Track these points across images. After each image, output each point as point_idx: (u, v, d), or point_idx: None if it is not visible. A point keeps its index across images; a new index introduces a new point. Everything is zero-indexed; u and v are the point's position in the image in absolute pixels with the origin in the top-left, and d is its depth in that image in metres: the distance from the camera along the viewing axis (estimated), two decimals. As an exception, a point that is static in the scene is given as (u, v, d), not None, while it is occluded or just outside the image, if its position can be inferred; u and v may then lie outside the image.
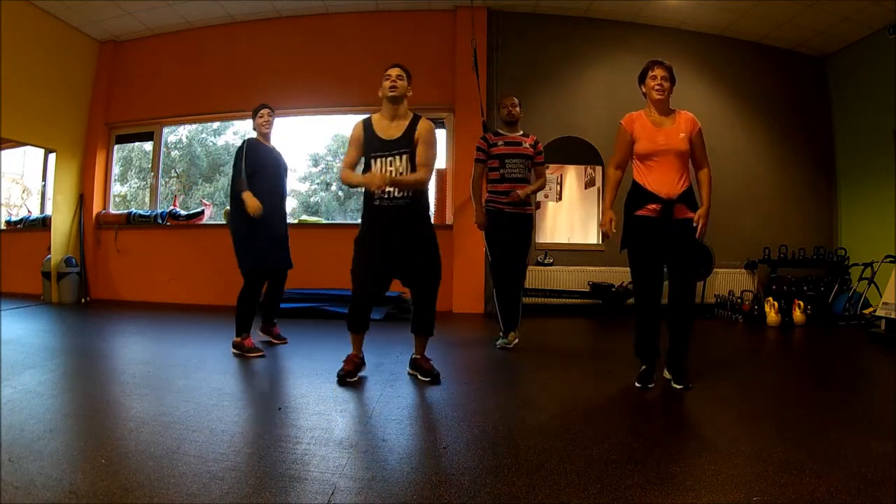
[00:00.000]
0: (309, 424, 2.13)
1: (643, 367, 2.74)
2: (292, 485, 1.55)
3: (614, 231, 2.75)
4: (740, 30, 5.96)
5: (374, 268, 2.69)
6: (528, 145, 3.66)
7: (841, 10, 5.28)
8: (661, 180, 2.64)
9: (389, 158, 2.64)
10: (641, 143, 2.68)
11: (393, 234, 2.65)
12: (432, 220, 2.89)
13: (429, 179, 2.70)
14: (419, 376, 2.77)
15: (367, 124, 2.72)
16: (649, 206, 2.64)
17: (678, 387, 2.64)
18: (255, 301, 3.47)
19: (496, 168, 3.64)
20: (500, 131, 3.75)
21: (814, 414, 2.35)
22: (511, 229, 3.61)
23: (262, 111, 3.64)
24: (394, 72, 2.71)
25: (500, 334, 3.68)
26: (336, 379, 2.69)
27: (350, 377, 2.71)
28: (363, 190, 2.70)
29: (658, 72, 2.66)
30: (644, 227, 2.66)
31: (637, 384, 2.70)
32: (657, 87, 2.65)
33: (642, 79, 2.75)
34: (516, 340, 3.65)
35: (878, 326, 4.24)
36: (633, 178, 2.75)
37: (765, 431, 2.07)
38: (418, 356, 2.83)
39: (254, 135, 3.67)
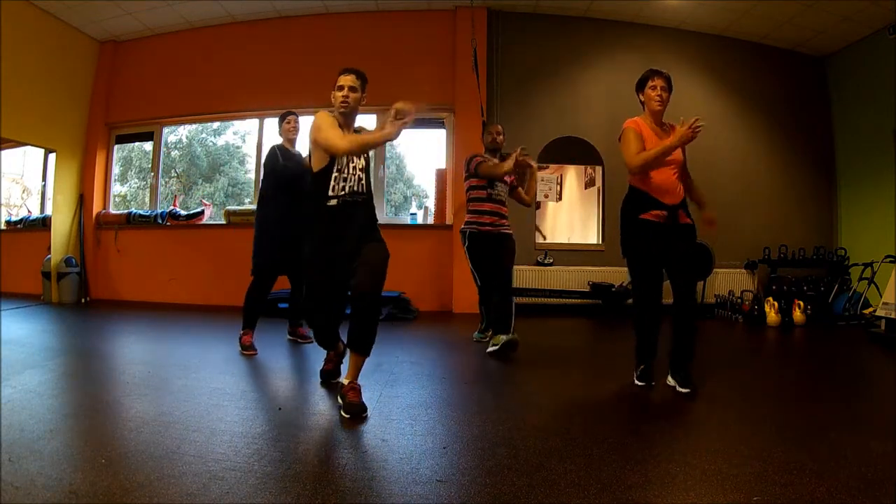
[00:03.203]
0: (309, 424, 2.13)
1: (642, 367, 2.75)
2: (292, 485, 1.55)
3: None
4: (740, 30, 5.96)
5: (333, 288, 2.40)
6: None
7: (841, 10, 5.29)
8: (665, 187, 2.67)
9: (352, 161, 2.42)
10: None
11: (350, 235, 2.37)
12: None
13: (377, 142, 2.37)
14: (341, 411, 2.23)
15: (336, 117, 2.42)
16: (654, 212, 2.66)
17: (684, 391, 2.59)
18: (257, 298, 3.50)
19: (484, 187, 3.66)
20: (487, 156, 3.74)
21: (814, 414, 2.34)
22: (495, 248, 3.63)
23: (289, 117, 3.67)
24: (346, 81, 2.40)
25: (479, 329, 3.94)
26: (350, 416, 2.21)
27: (332, 377, 2.69)
28: (314, 190, 2.42)
29: (658, 82, 2.69)
30: (650, 232, 2.66)
31: (640, 382, 2.71)
32: (657, 98, 2.69)
33: (641, 87, 2.77)
34: (505, 338, 3.54)
35: (878, 326, 4.24)
36: (632, 183, 2.76)
37: (765, 431, 2.07)
38: (346, 381, 2.32)
39: (279, 141, 3.70)
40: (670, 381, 2.69)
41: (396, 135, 2.23)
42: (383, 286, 2.39)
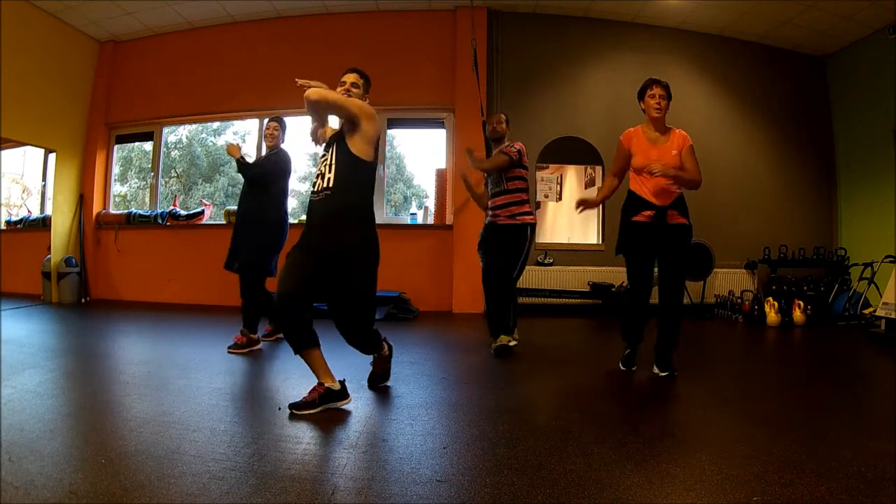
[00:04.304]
0: (309, 424, 2.13)
1: (628, 351, 2.99)
2: (292, 485, 1.55)
3: (585, 204, 3.07)
4: (740, 30, 5.96)
5: (297, 270, 2.25)
6: None
7: (841, 10, 5.28)
8: (654, 190, 2.82)
9: (325, 155, 2.39)
10: (637, 157, 2.88)
11: (318, 231, 2.28)
12: (369, 224, 2.37)
13: (349, 107, 2.28)
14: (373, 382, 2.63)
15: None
16: (644, 213, 2.84)
17: (663, 374, 2.84)
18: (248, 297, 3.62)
19: (486, 182, 3.74)
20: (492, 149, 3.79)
21: (814, 414, 2.35)
22: (492, 237, 3.58)
23: (269, 123, 3.78)
24: (349, 78, 2.43)
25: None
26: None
27: (304, 409, 2.18)
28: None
29: (657, 90, 2.84)
30: (640, 231, 2.85)
31: (622, 367, 2.98)
32: (656, 106, 2.83)
33: (641, 96, 2.91)
34: (513, 342, 3.58)
35: (878, 326, 4.24)
36: (630, 187, 2.94)
37: (765, 431, 2.07)
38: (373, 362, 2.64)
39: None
40: (654, 369, 2.90)
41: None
42: (361, 314, 2.39)
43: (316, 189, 2.34)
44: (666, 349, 2.88)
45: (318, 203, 2.31)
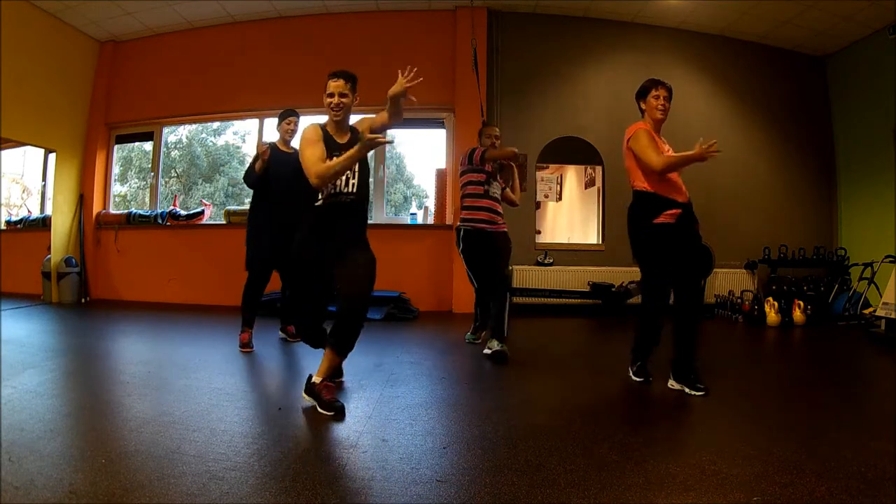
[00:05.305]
0: (309, 424, 2.13)
1: (639, 363, 2.81)
2: (292, 485, 1.55)
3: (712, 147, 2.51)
4: (740, 30, 5.96)
5: (317, 286, 2.39)
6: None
7: (841, 10, 5.29)
8: (674, 187, 2.67)
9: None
10: None
11: (335, 235, 2.35)
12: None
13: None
14: (317, 406, 2.24)
15: (323, 127, 2.42)
16: (668, 213, 2.63)
17: (699, 393, 2.54)
18: (252, 294, 3.57)
19: (482, 182, 3.61)
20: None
21: (814, 414, 2.35)
22: (491, 246, 3.58)
23: (290, 118, 3.68)
24: (336, 88, 2.35)
25: (471, 330, 3.93)
26: (333, 413, 2.19)
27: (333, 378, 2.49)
28: (309, 192, 2.37)
29: (661, 91, 2.71)
30: (666, 234, 2.63)
31: (638, 378, 2.79)
32: (661, 107, 2.70)
33: (643, 95, 2.76)
34: (498, 347, 3.40)
35: (878, 326, 4.24)
36: (640, 188, 2.71)
37: (765, 431, 2.07)
38: (317, 379, 2.27)
39: (275, 138, 3.75)
40: (674, 384, 2.66)
41: (364, 153, 2.25)
42: (371, 290, 2.36)
43: (334, 193, 2.33)
44: (691, 362, 2.62)
45: (339, 206, 2.35)
